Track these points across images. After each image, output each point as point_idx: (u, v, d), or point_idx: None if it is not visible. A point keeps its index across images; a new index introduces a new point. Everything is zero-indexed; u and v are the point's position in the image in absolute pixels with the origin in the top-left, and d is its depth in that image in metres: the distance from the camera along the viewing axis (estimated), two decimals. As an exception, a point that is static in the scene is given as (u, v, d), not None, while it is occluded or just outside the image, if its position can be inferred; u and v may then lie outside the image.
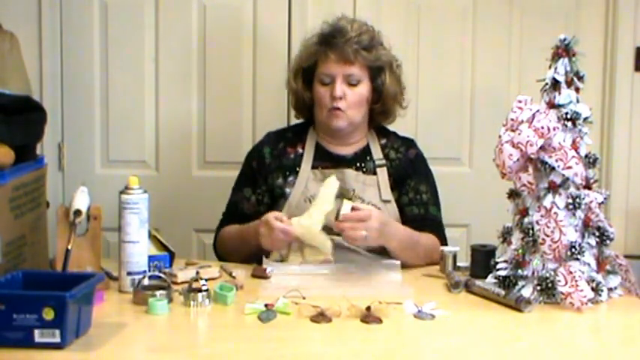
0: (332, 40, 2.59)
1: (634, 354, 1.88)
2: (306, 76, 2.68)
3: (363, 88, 2.62)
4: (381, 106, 2.68)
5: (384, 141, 2.72)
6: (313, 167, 2.65)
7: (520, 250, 2.22)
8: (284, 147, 2.70)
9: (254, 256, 2.52)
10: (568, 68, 2.21)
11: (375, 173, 2.65)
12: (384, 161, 2.67)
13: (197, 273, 2.17)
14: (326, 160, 2.67)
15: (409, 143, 2.75)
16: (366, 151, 2.70)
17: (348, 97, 2.59)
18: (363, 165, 2.66)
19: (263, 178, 2.67)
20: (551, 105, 2.20)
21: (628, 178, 3.23)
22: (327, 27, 2.64)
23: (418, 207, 2.64)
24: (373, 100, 2.67)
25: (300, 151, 2.69)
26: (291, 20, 3.23)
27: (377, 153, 2.69)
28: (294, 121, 2.88)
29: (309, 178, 2.63)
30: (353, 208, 2.34)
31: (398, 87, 2.69)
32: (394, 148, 2.71)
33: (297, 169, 2.65)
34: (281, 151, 2.70)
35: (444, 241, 2.62)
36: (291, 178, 2.65)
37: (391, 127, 2.79)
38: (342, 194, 2.55)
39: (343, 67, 2.59)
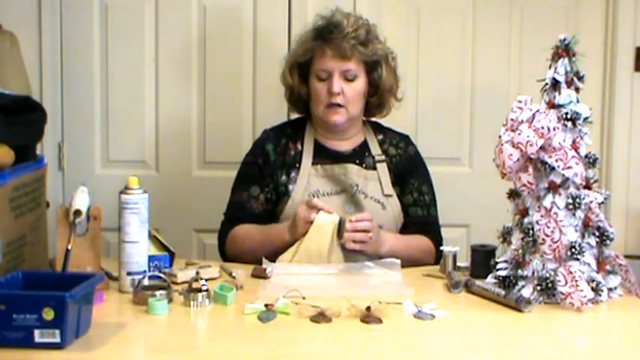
0: (329, 35, 2.59)
1: (634, 354, 1.88)
2: (301, 70, 2.67)
3: (360, 83, 2.62)
4: (378, 100, 2.69)
5: (380, 137, 2.73)
6: (313, 164, 2.65)
7: (520, 250, 2.21)
8: (286, 143, 2.70)
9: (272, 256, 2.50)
10: (568, 68, 2.21)
11: (374, 168, 2.66)
12: (383, 157, 2.68)
13: (197, 273, 2.17)
14: (325, 158, 2.67)
15: (407, 139, 2.77)
16: (364, 146, 2.70)
17: (346, 92, 2.60)
18: (362, 161, 2.67)
19: (270, 175, 2.67)
20: (551, 105, 2.20)
21: (628, 178, 3.23)
22: (322, 21, 2.64)
23: (422, 208, 2.68)
24: (369, 94, 2.67)
25: (300, 147, 2.69)
26: (291, 20, 3.23)
27: (375, 149, 2.70)
28: (294, 120, 2.88)
29: (311, 174, 2.64)
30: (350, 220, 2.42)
31: (394, 80, 2.70)
32: (393, 144, 2.72)
33: (298, 165, 2.66)
34: (284, 147, 2.69)
35: (440, 240, 2.67)
36: (293, 175, 2.65)
37: (393, 127, 2.79)
38: (346, 189, 2.60)
39: (340, 62, 2.59)
